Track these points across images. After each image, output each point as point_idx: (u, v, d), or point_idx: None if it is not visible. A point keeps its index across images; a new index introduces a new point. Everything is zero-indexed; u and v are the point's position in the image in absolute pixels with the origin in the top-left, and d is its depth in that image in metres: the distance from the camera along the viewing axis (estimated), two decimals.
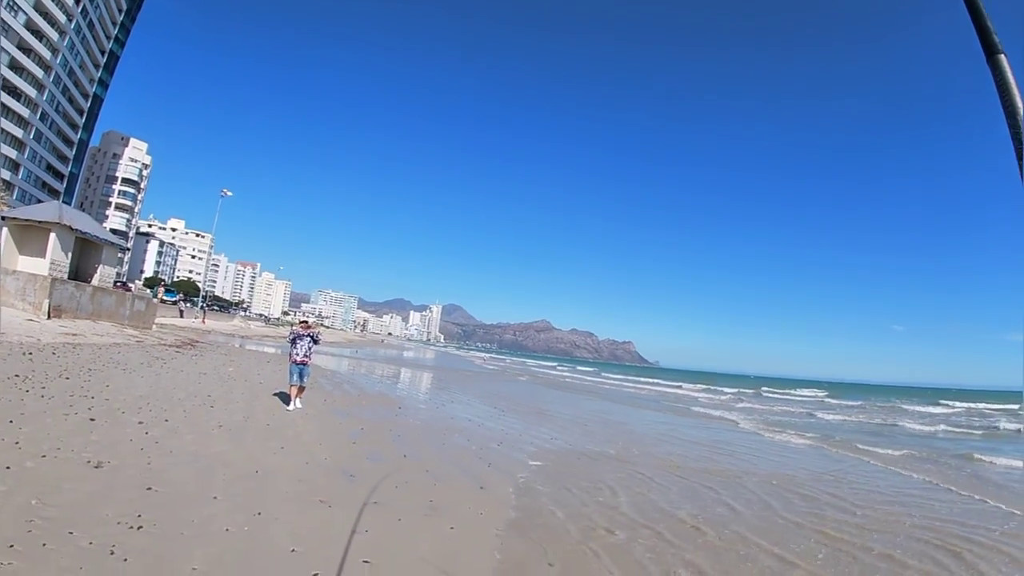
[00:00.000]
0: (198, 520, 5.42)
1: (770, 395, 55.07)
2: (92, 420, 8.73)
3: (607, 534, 6.85)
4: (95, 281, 31.89)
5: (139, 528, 5.03)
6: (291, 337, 13.62)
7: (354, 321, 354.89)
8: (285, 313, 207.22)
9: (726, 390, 56.88)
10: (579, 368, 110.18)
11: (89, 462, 6.63)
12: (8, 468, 5.96)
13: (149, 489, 6.06)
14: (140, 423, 9.09)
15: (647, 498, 8.97)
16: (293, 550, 5.07)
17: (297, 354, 13.03)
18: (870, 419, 32.13)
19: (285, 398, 13.64)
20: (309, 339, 13.35)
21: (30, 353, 15.04)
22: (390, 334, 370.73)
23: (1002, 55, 2.23)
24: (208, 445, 8.44)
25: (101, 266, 32.91)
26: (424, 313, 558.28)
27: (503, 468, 9.97)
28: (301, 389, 13.23)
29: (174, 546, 4.80)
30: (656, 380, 73.44)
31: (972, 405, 49.54)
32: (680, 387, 58.42)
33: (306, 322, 14.54)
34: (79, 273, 31.41)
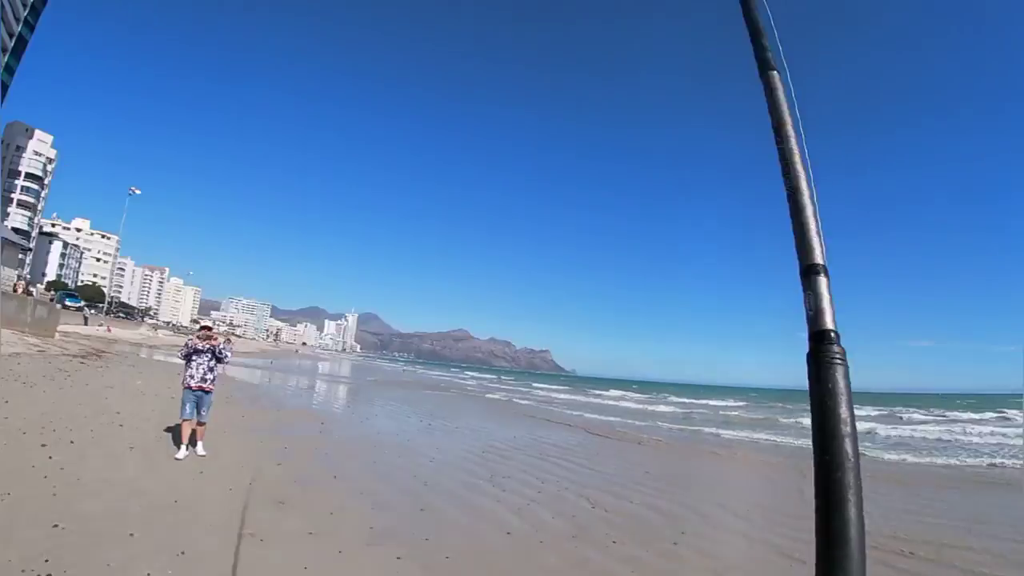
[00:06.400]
0: (115, 563, 4.82)
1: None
2: None
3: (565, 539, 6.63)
4: None
5: None
6: (185, 352, 9.64)
7: (267, 330, 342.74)
8: (195, 321, 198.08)
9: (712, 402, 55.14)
10: (503, 378, 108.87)
11: None
12: None
13: (56, 526, 5.38)
14: (43, 446, 8.22)
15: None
16: None
17: (192, 376, 9.40)
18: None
19: None
20: (211, 355, 9.66)
21: None
22: (304, 343, 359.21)
23: (775, 72, 2.30)
24: (120, 470, 7.70)
25: (2, 268, 30.26)
26: (339, 322, 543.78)
27: (440, 486, 9.57)
28: (201, 426, 9.51)
29: None
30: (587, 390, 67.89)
31: None
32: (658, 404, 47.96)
33: (208, 328, 10.23)
34: None
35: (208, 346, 9.69)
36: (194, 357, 9.57)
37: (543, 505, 8.83)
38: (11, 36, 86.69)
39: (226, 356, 10.08)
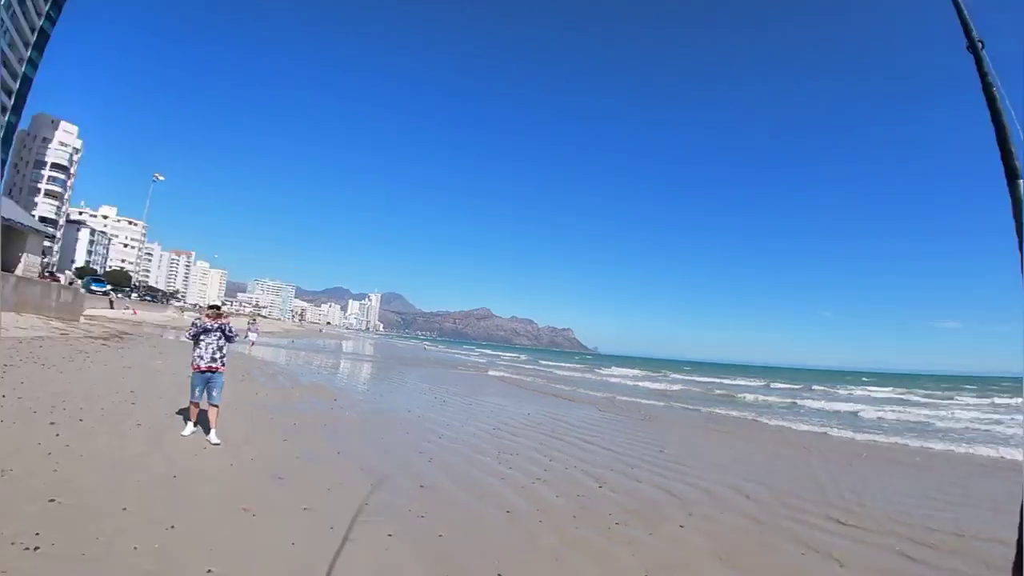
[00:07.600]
0: (103, 537, 4.88)
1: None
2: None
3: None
4: (19, 271, 29.98)
5: (35, 549, 4.50)
6: (193, 332, 9.27)
7: (292, 311, 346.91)
8: (221, 304, 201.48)
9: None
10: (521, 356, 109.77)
11: None
12: None
13: (52, 501, 5.48)
14: (52, 424, 8.42)
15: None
16: (209, 571, 4.59)
17: (201, 357, 9.11)
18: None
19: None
20: (220, 334, 9.31)
21: None
22: (328, 323, 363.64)
23: (981, 44, 2.35)
24: (124, 447, 7.81)
25: (25, 255, 30.88)
26: (363, 302, 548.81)
27: (445, 464, 9.59)
28: (214, 408, 9.14)
29: (72, 571, 4.28)
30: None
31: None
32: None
33: (217, 307, 9.84)
34: (3, 263, 29.42)
35: (217, 324, 9.33)
36: (203, 337, 9.23)
37: (548, 484, 8.79)
38: (33, 31, 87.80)
39: (236, 335, 9.95)
